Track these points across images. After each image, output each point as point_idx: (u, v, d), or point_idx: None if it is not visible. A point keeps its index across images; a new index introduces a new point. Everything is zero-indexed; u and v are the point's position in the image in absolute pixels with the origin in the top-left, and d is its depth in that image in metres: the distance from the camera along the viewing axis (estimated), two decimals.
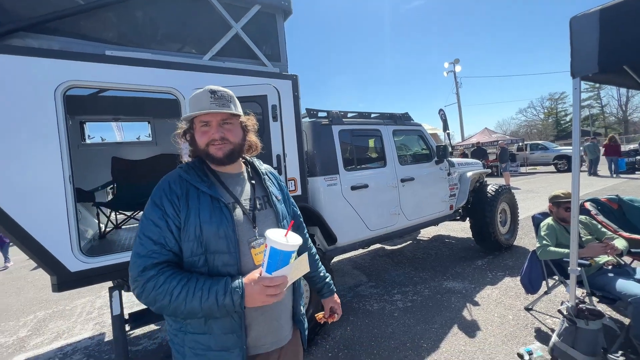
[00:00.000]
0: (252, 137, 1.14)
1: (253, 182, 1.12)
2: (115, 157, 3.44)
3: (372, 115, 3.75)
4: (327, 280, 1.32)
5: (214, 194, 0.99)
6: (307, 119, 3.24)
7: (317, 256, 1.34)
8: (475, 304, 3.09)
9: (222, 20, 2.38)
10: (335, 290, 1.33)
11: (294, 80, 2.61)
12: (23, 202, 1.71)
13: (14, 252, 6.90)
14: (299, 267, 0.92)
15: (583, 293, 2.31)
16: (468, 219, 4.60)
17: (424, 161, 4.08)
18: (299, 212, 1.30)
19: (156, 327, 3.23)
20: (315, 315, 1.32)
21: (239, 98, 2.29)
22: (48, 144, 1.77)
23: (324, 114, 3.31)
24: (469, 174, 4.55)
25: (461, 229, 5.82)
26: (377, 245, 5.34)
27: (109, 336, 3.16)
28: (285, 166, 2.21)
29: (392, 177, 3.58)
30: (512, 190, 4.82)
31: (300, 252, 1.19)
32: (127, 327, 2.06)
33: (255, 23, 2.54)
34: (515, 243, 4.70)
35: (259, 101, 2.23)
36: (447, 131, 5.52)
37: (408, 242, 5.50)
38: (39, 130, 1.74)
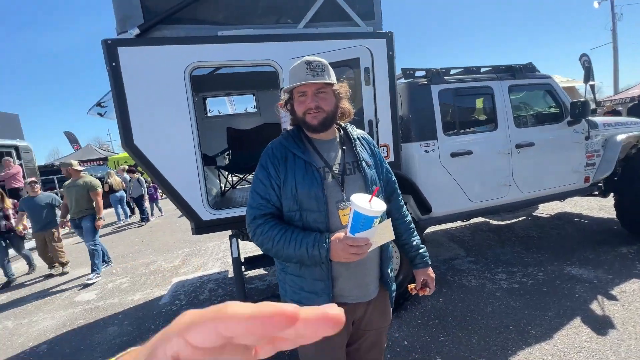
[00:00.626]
0: (346, 104, 1.18)
1: (344, 147, 1.17)
2: (229, 127, 4.00)
3: (483, 70, 3.20)
4: (421, 251, 1.30)
5: (307, 159, 1.10)
6: (402, 80, 3.01)
7: (412, 224, 1.32)
8: (611, 297, 2.52)
9: None
10: (429, 263, 1.30)
11: (388, 38, 2.41)
12: (171, 165, 2.18)
13: (165, 203, 9.07)
14: (382, 233, 0.97)
15: None
16: (613, 194, 3.63)
17: (551, 122, 3.33)
18: (394, 179, 1.30)
19: (265, 272, 3.82)
20: (408, 285, 1.31)
21: (332, 63, 2.27)
22: (183, 117, 2.17)
23: (422, 73, 3.00)
24: (620, 137, 3.50)
25: (599, 207, 4.66)
26: (480, 219, 4.81)
27: (231, 273, 3.92)
28: (377, 132, 2.15)
29: (504, 142, 3.07)
30: None
31: (394, 220, 1.26)
32: (243, 268, 2.51)
33: None
34: None
35: (352, 65, 2.17)
36: (591, 82, 4.28)
37: (521, 219, 4.76)
38: (176, 106, 2.15)
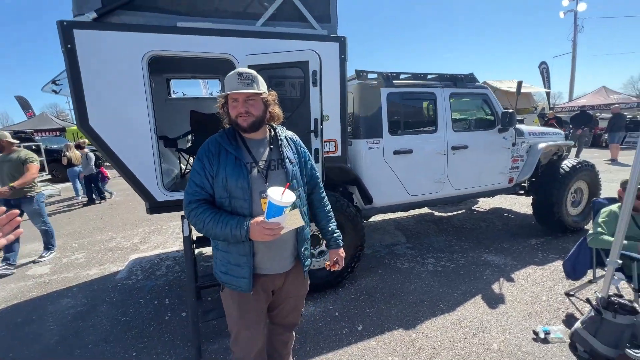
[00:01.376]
0: (275, 109, 1.38)
1: (272, 146, 1.37)
2: (193, 110, 4.06)
3: (429, 77, 3.54)
4: (335, 235, 1.55)
5: (237, 155, 1.29)
6: (355, 81, 3.27)
7: (330, 213, 1.57)
8: (510, 280, 3.04)
9: None
10: (341, 245, 1.56)
11: (341, 42, 2.64)
12: (127, 147, 2.30)
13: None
14: (292, 220, 1.19)
15: (630, 287, 2.12)
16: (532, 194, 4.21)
17: (484, 128, 3.78)
18: (317, 174, 1.53)
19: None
20: (325, 262, 1.60)
21: (284, 63, 2.47)
22: (139, 102, 2.28)
23: (374, 76, 3.27)
24: (541, 145, 4.05)
25: (527, 205, 5.33)
26: (426, 210, 5.31)
27: None
28: (321, 129, 2.39)
29: (442, 144, 3.46)
30: (597, 169, 4.15)
31: (315, 208, 1.57)
32: (194, 246, 2.72)
33: None
34: (587, 227, 4.18)
35: (301, 67, 2.38)
36: (547, 90, 4.77)
37: (460, 212, 5.32)
38: (133, 91, 2.25)
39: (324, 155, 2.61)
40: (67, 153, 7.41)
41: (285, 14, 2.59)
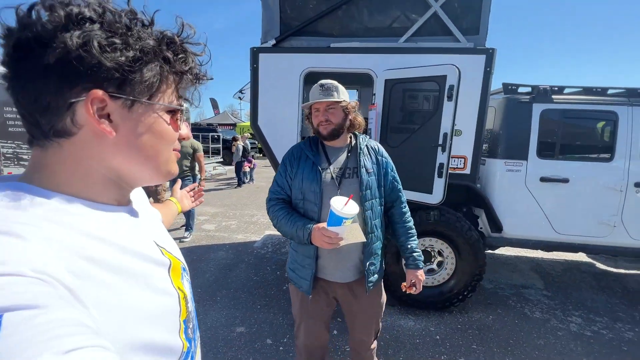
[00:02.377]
0: (357, 118, 1.38)
1: (349, 154, 1.38)
2: None
3: (610, 92, 2.81)
4: (414, 254, 1.45)
5: (315, 160, 1.35)
6: (501, 95, 2.95)
7: (411, 230, 1.48)
8: None
9: (422, 1, 2.57)
10: (420, 266, 1.45)
11: (488, 54, 2.46)
12: (278, 143, 2.87)
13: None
14: (352, 233, 1.17)
15: None
16: None
17: None
18: (399, 187, 1.46)
19: None
20: (402, 283, 1.47)
21: (420, 78, 2.54)
22: (292, 109, 2.81)
23: (527, 89, 2.87)
24: None
25: None
26: (583, 258, 4.18)
27: None
28: (450, 145, 2.31)
29: (619, 177, 2.70)
30: None
31: (395, 223, 1.48)
32: None
33: None
34: None
35: (437, 81, 2.36)
36: None
37: None
38: (289, 100, 2.79)
39: (450, 171, 2.51)
40: (234, 143, 9.58)
41: (430, 28, 2.64)
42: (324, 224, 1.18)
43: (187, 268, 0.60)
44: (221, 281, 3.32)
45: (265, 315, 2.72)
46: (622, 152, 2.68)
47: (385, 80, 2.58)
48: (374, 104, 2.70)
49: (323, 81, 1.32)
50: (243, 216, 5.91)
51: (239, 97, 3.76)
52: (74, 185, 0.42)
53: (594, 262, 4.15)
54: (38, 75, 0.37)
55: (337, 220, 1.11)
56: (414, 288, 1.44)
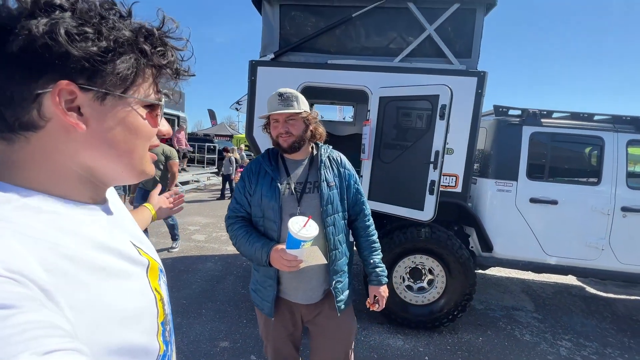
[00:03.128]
0: (318, 128, 1.32)
1: (310, 167, 1.32)
2: (327, 132, 4.64)
3: (596, 118, 2.90)
4: (377, 269, 1.37)
5: (273, 175, 1.27)
6: (492, 117, 3.03)
7: (375, 244, 1.41)
8: None
9: (417, 24, 2.67)
10: (384, 282, 1.37)
11: (480, 77, 2.54)
12: None
13: None
14: (311, 255, 1.09)
15: None
16: None
17: None
18: (362, 199, 1.39)
19: None
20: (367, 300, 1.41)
21: (414, 97, 2.60)
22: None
23: (517, 112, 2.95)
24: None
25: None
26: (573, 281, 4.18)
27: None
28: (441, 162, 2.34)
29: (606, 201, 2.74)
30: None
31: (359, 237, 1.41)
32: None
33: (450, 21, 2.64)
34: None
35: (430, 100, 2.42)
36: None
37: (633, 297, 3.92)
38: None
39: (442, 189, 2.53)
40: (227, 154, 9.53)
41: (424, 50, 2.72)
42: (283, 246, 1.11)
43: (164, 270, 0.59)
44: (208, 293, 3.23)
45: (250, 330, 2.65)
46: (609, 176, 2.74)
47: (380, 97, 2.63)
48: (368, 120, 2.74)
49: (282, 90, 1.23)
50: None
51: (236, 108, 3.80)
52: (44, 181, 0.40)
53: (584, 285, 4.14)
54: (1, 64, 0.35)
55: (296, 243, 1.05)
56: (377, 305, 1.37)
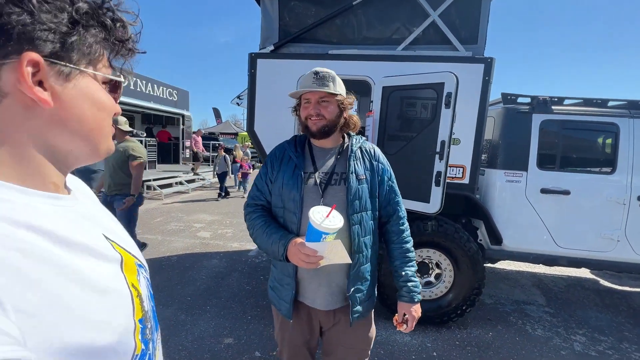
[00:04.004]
0: (353, 117, 1.20)
1: (339, 157, 1.18)
2: None
3: (610, 104, 2.78)
4: (410, 284, 1.20)
5: (297, 162, 1.15)
6: (500, 105, 2.92)
7: (409, 253, 1.23)
8: None
9: (421, 10, 2.58)
10: (416, 299, 1.20)
11: (487, 63, 2.45)
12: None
13: None
14: (333, 251, 0.95)
15: None
16: None
17: None
18: (397, 199, 1.25)
19: None
20: (394, 317, 1.25)
21: (418, 85, 2.52)
22: (289, 115, 2.78)
23: (527, 100, 2.84)
24: None
25: None
26: (586, 273, 4.07)
27: None
28: (447, 152, 2.26)
29: (621, 191, 2.63)
30: None
31: (391, 243, 1.24)
32: None
33: (455, 6, 2.54)
34: None
35: (435, 88, 2.34)
36: None
37: None
38: (286, 106, 2.76)
39: (448, 181, 2.45)
40: (234, 152, 9.54)
41: (428, 37, 2.63)
42: (303, 239, 0.99)
43: (144, 264, 0.55)
44: (212, 290, 3.22)
45: (255, 326, 2.62)
46: (624, 164, 2.62)
47: (383, 87, 2.56)
48: (371, 110, 2.67)
49: (318, 69, 1.12)
50: (239, 225, 5.83)
51: (237, 103, 3.76)
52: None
53: (598, 278, 4.03)
54: None
55: (316, 235, 0.91)
56: (405, 325, 1.20)
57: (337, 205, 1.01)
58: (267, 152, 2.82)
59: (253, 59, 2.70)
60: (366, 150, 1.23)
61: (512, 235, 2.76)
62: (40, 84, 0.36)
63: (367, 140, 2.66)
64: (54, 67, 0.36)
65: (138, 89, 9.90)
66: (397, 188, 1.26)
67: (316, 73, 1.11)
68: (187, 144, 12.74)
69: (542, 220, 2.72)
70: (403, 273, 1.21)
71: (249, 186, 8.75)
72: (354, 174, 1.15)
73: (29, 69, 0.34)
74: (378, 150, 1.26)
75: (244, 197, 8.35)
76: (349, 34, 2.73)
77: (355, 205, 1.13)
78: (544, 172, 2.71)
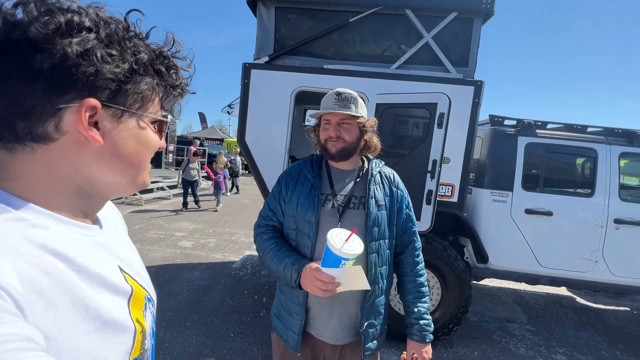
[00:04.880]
0: (373, 139, 1.16)
1: (358, 180, 1.14)
2: None
3: (590, 130, 2.92)
4: (422, 322, 1.12)
5: (314, 183, 1.10)
6: (487, 126, 3.02)
7: (423, 287, 1.17)
8: None
9: (415, 31, 2.64)
10: (428, 339, 1.12)
11: (477, 86, 2.53)
12: (265, 160, 2.78)
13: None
14: (353, 278, 0.90)
15: None
16: None
17: None
18: (414, 229, 1.20)
19: None
20: (403, 354, 1.18)
21: (412, 104, 2.55)
22: (282, 127, 2.75)
23: (512, 122, 2.95)
24: None
25: None
26: (564, 291, 4.19)
27: None
28: (439, 171, 2.30)
29: (599, 213, 2.74)
30: None
31: (404, 275, 1.17)
32: None
33: (448, 29, 2.62)
34: None
35: (428, 108, 2.38)
36: None
37: (621, 308, 3.95)
38: (279, 118, 2.74)
39: (438, 199, 2.48)
40: (217, 159, 9.26)
41: (421, 58, 2.69)
42: (318, 264, 0.93)
43: (153, 298, 0.53)
44: (193, 304, 3.07)
45: (238, 344, 2.51)
46: (602, 188, 2.75)
47: (377, 104, 2.58)
48: None
49: (341, 90, 1.08)
50: (223, 234, 5.67)
51: (228, 112, 3.70)
52: (40, 193, 0.40)
53: (574, 296, 4.17)
54: (24, 78, 0.35)
55: (335, 261, 0.85)
56: None
57: (354, 226, 0.97)
58: (257, 163, 2.79)
59: (247, 69, 2.66)
60: (386, 176, 1.18)
61: (497, 254, 2.81)
62: (95, 124, 0.40)
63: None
64: (109, 110, 0.41)
65: None
66: (414, 217, 1.22)
67: (338, 94, 1.07)
68: (171, 148, 12.41)
69: (526, 240, 2.79)
70: (415, 309, 1.14)
71: (241, 194, 8.16)
72: (373, 199, 1.10)
73: (88, 113, 0.38)
74: (397, 176, 1.22)
75: (216, 211, 7.54)
76: (344, 49, 2.75)
77: (374, 232, 1.08)
78: (528, 193, 2.79)
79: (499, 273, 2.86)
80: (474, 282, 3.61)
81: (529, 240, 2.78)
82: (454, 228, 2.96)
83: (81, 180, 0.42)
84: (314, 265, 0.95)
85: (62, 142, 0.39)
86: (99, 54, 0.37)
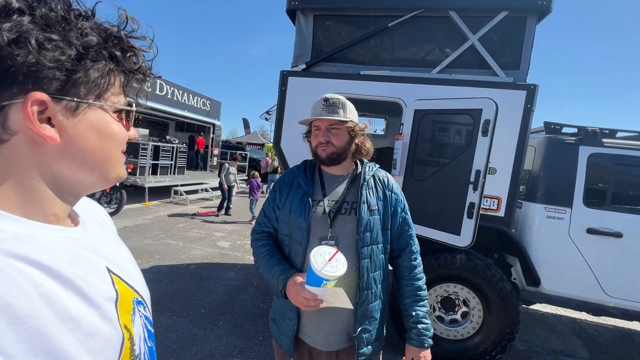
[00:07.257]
0: (365, 143, 1.16)
1: (350, 185, 1.14)
2: None
3: None
4: (420, 326, 1.11)
5: (306, 189, 1.12)
6: (542, 134, 2.72)
7: (421, 291, 1.15)
8: None
9: (459, 33, 2.48)
10: (426, 344, 1.10)
11: (529, 90, 2.29)
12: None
13: None
14: (334, 297, 0.90)
15: None
16: None
17: None
18: (410, 232, 1.18)
19: None
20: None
21: (453, 110, 2.41)
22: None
23: (573, 130, 2.62)
24: None
25: None
26: (637, 326, 3.60)
27: None
28: (483, 183, 2.11)
29: None
30: None
31: (401, 279, 1.16)
32: None
33: (496, 30, 2.43)
34: None
35: (472, 114, 2.21)
36: None
37: None
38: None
39: (481, 212, 2.28)
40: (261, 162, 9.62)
41: (465, 61, 2.53)
42: (303, 278, 0.93)
43: (144, 300, 0.51)
44: (227, 304, 3.17)
45: (266, 348, 2.52)
46: None
47: (415, 110, 2.47)
48: (401, 133, 2.58)
49: (328, 95, 1.10)
50: None
51: (265, 118, 3.82)
52: (2, 199, 0.36)
53: None
54: None
55: (317, 281, 0.86)
56: None
57: (346, 236, 1.02)
58: (290, 166, 2.81)
59: (284, 76, 2.72)
60: (379, 179, 1.17)
61: (551, 277, 2.49)
62: (49, 120, 0.36)
63: (395, 163, 2.58)
64: (61, 102, 0.37)
65: (175, 98, 10.41)
66: (410, 220, 1.20)
67: (326, 100, 1.09)
68: (216, 152, 13.15)
69: (587, 264, 2.44)
70: (413, 313, 1.12)
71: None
72: (365, 203, 1.09)
73: (35, 108, 0.34)
74: (392, 179, 1.20)
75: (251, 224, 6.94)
76: (381, 54, 2.69)
77: (366, 237, 1.07)
78: (592, 210, 2.45)
79: (553, 299, 2.53)
80: (524, 306, 3.26)
81: (591, 264, 2.43)
82: (500, 245, 2.71)
83: (46, 180, 0.39)
84: (298, 279, 0.96)
85: (14, 143, 0.35)
86: (35, 40, 0.32)
